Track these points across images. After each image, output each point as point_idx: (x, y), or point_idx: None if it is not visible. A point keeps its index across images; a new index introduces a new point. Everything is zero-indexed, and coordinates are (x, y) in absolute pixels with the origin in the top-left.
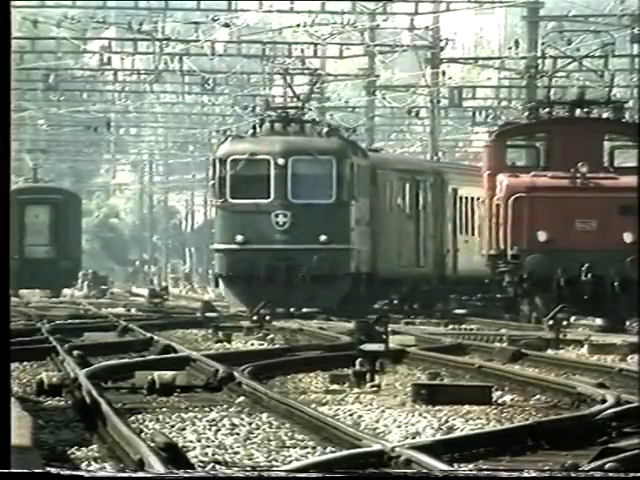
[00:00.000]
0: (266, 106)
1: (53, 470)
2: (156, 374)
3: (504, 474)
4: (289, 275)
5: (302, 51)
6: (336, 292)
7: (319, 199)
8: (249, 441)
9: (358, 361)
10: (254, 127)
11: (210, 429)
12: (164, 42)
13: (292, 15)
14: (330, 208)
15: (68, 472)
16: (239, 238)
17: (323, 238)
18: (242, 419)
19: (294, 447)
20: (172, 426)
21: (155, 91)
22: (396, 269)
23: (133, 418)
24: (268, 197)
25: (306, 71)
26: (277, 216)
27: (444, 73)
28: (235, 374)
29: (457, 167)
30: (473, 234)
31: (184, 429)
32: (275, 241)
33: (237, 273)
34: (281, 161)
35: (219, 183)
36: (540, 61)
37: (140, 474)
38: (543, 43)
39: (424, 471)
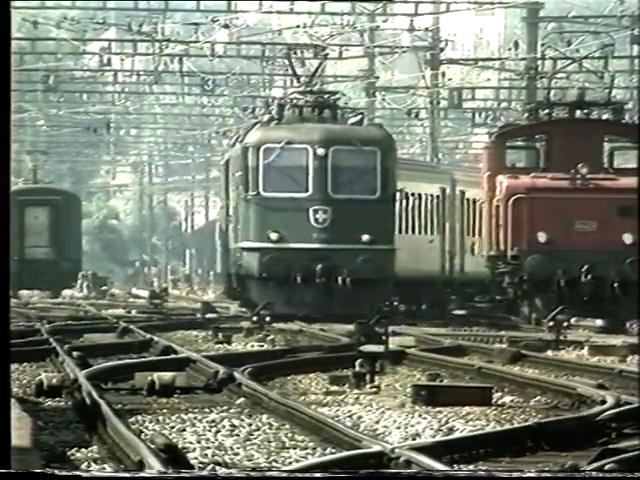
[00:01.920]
0: (299, 90)
1: (49, 470)
2: (156, 375)
3: (503, 474)
4: (328, 278)
5: (302, 52)
6: (378, 298)
7: (362, 194)
8: (249, 442)
9: (358, 362)
10: (276, 113)
11: (210, 430)
12: (164, 43)
13: (292, 16)
14: (374, 204)
15: (65, 472)
16: (273, 236)
17: (366, 238)
18: (242, 420)
19: (294, 448)
20: (172, 427)
21: (155, 92)
22: None
23: (133, 419)
24: (306, 191)
25: (311, 49)
26: (316, 212)
27: (444, 74)
28: (235, 375)
29: None
30: (400, 232)
31: (184, 430)
32: (313, 240)
33: (270, 274)
34: (321, 151)
35: (249, 174)
36: (540, 62)
37: (140, 474)
38: (543, 44)
39: (424, 472)
